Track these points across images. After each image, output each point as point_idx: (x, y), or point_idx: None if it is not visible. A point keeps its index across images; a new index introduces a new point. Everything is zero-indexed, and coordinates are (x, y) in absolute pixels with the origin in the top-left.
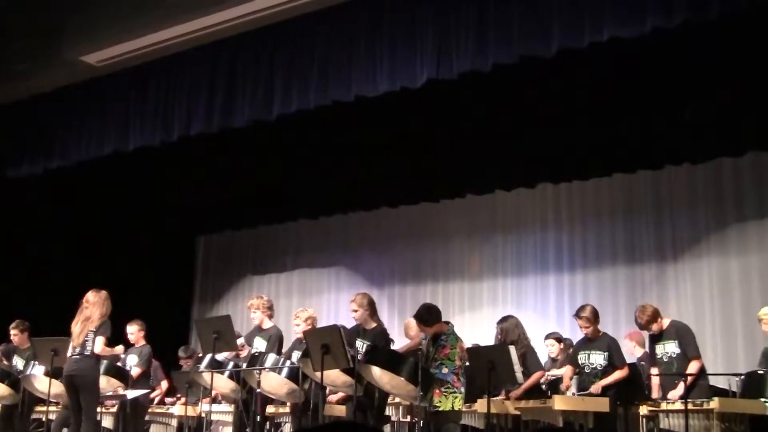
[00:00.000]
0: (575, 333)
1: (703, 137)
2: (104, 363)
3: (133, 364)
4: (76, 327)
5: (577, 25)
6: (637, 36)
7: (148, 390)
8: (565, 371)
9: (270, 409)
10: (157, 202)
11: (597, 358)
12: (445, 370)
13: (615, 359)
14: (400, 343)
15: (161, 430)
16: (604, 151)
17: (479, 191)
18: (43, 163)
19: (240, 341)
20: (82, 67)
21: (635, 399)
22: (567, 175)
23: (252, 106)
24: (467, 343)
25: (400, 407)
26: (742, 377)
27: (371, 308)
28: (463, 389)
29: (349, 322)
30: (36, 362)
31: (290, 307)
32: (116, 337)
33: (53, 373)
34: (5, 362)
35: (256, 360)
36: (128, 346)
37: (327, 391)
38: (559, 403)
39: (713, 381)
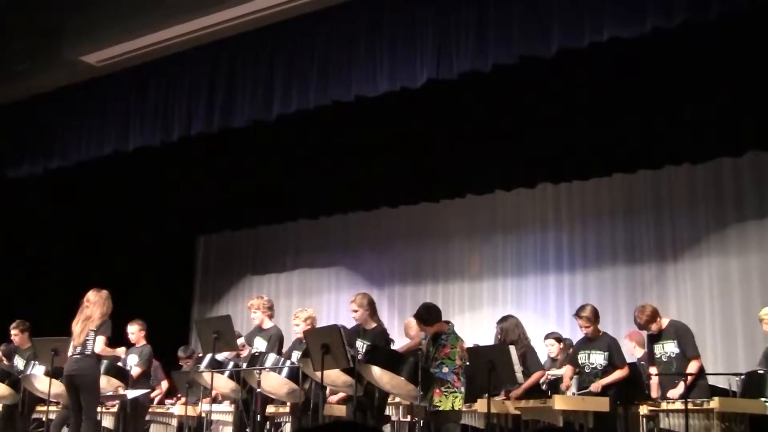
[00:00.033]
0: (575, 333)
1: (703, 137)
2: (104, 363)
3: (133, 363)
4: (76, 326)
5: (577, 25)
6: (637, 36)
7: (149, 390)
8: (565, 371)
9: (270, 409)
10: (157, 202)
11: (597, 358)
12: (445, 370)
13: (615, 359)
14: (400, 343)
15: (161, 430)
16: (604, 151)
17: (479, 191)
18: (43, 163)
19: (240, 341)
20: (82, 67)
21: (635, 399)
22: (567, 175)
23: (252, 106)
24: (467, 343)
25: (400, 407)
26: (743, 377)
27: (371, 308)
28: (463, 389)
29: (349, 322)
30: (36, 362)
31: (290, 307)
32: (116, 337)
33: (53, 373)
34: (5, 362)
35: (256, 360)
36: (129, 346)
37: (327, 391)
38: (559, 402)
39: (713, 381)
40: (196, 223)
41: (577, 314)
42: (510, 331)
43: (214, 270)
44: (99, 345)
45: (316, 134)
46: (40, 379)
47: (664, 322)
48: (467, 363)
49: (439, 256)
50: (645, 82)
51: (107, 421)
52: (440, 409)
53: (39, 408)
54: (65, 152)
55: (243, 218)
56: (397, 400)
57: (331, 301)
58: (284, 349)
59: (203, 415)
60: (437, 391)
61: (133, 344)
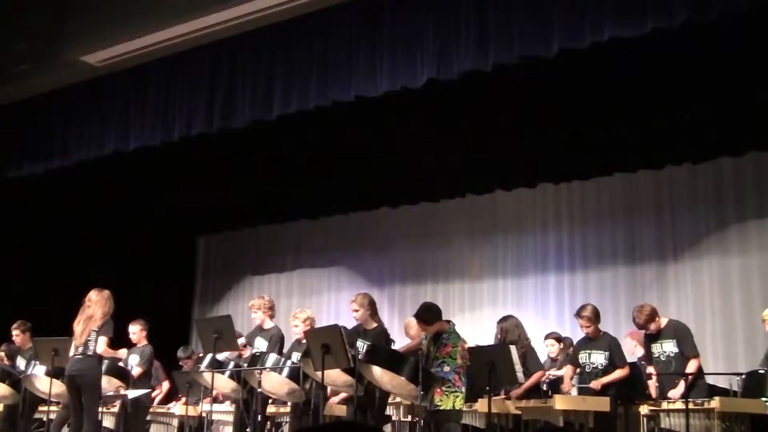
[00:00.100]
0: (575, 333)
1: (703, 137)
2: (105, 363)
3: (134, 363)
4: (78, 326)
5: (578, 25)
6: (637, 36)
7: (149, 390)
8: (566, 371)
9: (271, 409)
10: (157, 202)
11: (598, 358)
12: (446, 368)
13: (616, 359)
14: (400, 343)
15: (162, 430)
16: (604, 151)
17: (479, 191)
18: (43, 163)
19: (241, 341)
20: (82, 67)
21: (636, 398)
22: (567, 175)
23: (252, 106)
24: (467, 344)
25: (401, 407)
26: (743, 376)
27: (372, 308)
28: (464, 389)
29: (349, 322)
30: (36, 362)
31: (290, 307)
32: (116, 336)
33: (54, 373)
34: (6, 362)
35: (257, 360)
36: (130, 346)
37: (328, 391)
38: (559, 402)
39: (714, 381)
40: (196, 223)
41: (578, 314)
42: (510, 331)
43: (214, 270)
44: (101, 346)
45: (316, 134)
46: (41, 379)
47: (663, 321)
48: (468, 363)
49: (440, 256)
50: (645, 82)
51: (108, 421)
52: (441, 408)
53: (41, 408)
54: (65, 152)
55: (243, 218)
56: (398, 399)
57: (331, 301)
58: (285, 350)
59: (204, 415)
60: (438, 390)
61: (135, 344)
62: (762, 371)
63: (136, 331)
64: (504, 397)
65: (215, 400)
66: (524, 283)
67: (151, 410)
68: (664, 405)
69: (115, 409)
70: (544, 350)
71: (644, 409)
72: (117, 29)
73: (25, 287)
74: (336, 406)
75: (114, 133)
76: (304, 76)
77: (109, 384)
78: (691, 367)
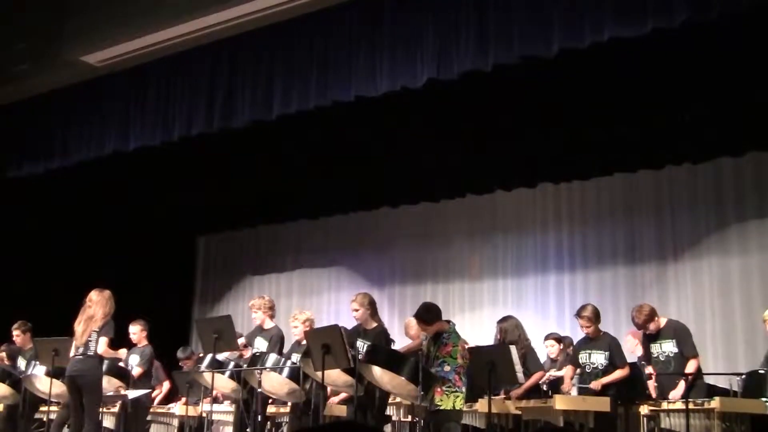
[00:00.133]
0: (575, 333)
1: (703, 137)
2: (105, 363)
3: (134, 363)
4: (79, 326)
5: (578, 25)
6: (637, 36)
7: (150, 390)
8: (566, 371)
9: (271, 409)
10: (157, 202)
11: (598, 358)
12: (447, 368)
13: (616, 359)
14: (400, 343)
15: (162, 430)
16: (604, 151)
17: (479, 191)
18: (43, 163)
19: (241, 341)
20: (82, 67)
21: (636, 398)
22: (567, 175)
23: (252, 106)
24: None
25: (401, 407)
26: (743, 377)
27: (372, 308)
28: (464, 389)
29: (349, 322)
30: (36, 362)
31: (290, 307)
32: (117, 336)
33: (54, 373)
34: (7, 362)
35: (257, 360)
36: (130, 346)
37: (328, 391)
38: (560, 402)
39: (714, 381)
40: (196, 223)
41: (579, 314)
42: (509, 331)
43: (214, 270)
44: (101, 346)
45: (316, 134)
46: (41, 380)
47: (662, 321)
48: (468, 362)
49: (440, 256)
50: (645, 82)
51: (108, 422)
52: (441, 408)
53: (41, 408)
54: (65, 152)
55: (243, 218)
56: (398, 400)
57: (331, 301)
58: (285, 350)
59: (204, 415)
60: (438, 389)
61: (135, 344)
62: (762, 371)
63: (136, 331)
64: (504, 397)
65: (215, 400)
66: (524, 283)
67: (151, 410)
68: (664, 405)
69: (115, 410)
70: (544, 351)
71: (644, 409)
72: (117, 29)
73: (25, 287)
74: (336, 406)
75: (114, 133)
76: (304, 76)
77: (109, 384)
78: (690, 367)
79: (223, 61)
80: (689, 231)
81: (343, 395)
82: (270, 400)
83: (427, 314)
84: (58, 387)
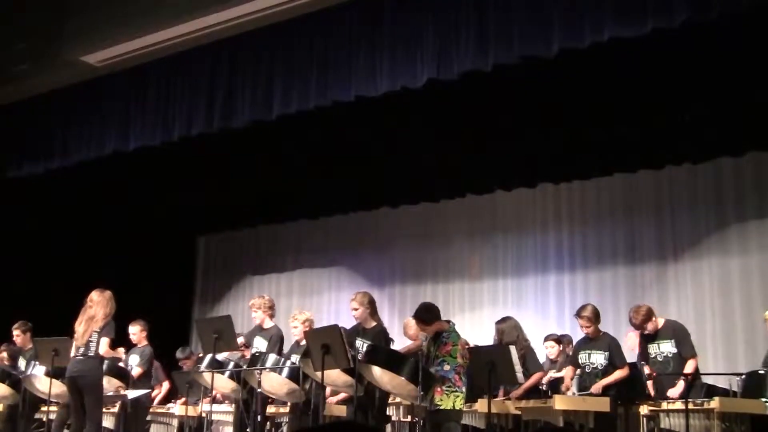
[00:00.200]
0: (575, 333)
1: (703, 137)
2: (105, 363)
3: (134, 364)
4: (79, 327)
5: (578, 25)
6: (637, 36)
7: (149, 390)
8: (566, 372)
9: (270, 409)
10: (157, 202)
11: (598, 358)
12: (447, 367)
13: (615, 359)
14: (400, 342)
15: (162, 430)
16: (604, 151)
17: (479, 191)
18: (43, 163)
19: (240, 340)
20: (82, 67)
21: (636, 399)
22: (567, 175)
23: (252, 106)
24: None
25: (401, 407)
26: (743, 377)
27: (372, 307)
28: (464, 388)
29: (349, 322)
30: (36, 362)
31: (290, 307)
32: (117, 337)
33: (54, 374)
34: (7, 362)
35: (256, 360)
36: (130, 346)
37: (328, 391)
38: (559, 402)
39: (714, 381)
40: (196, 223)
41: (578, 314)
42: (507, 332)
43: (214, 270)
44: (102, 347)
45: (316, 134)
46: (41, 380)
47: (660, 321)
48: (468, 362)
49: (440, 256)
50: (645, 82)
51: (108, 422)
52: (441, 407)
53: (41, 408)
54: (65, 152)
55: (243, 218)
56: (398, 400)
57: (331, 301)
58: (284, 350)
59: (204, 415)
60: (438, 389)
61: (135, 344)
62: (762, 372)
63: (136, 331)
64: (504, 397)
65: (215, 400)
66: (524, 283)
67: (151, 410)
68: (664, 405)
69: (115, 410)
70: (544, 352)
71: (644, 410)
72: (117, 29)
73: (25, 287)
74: (336, 406)
75: (114, 133)
76: (304, 76)
77: (109, 384)
78: (689, 367)
79: (223, 61)
80: (689, 231)
81: (342, 395)
82: (270, 400)
83: (426, 314)
84: (58, 387)
